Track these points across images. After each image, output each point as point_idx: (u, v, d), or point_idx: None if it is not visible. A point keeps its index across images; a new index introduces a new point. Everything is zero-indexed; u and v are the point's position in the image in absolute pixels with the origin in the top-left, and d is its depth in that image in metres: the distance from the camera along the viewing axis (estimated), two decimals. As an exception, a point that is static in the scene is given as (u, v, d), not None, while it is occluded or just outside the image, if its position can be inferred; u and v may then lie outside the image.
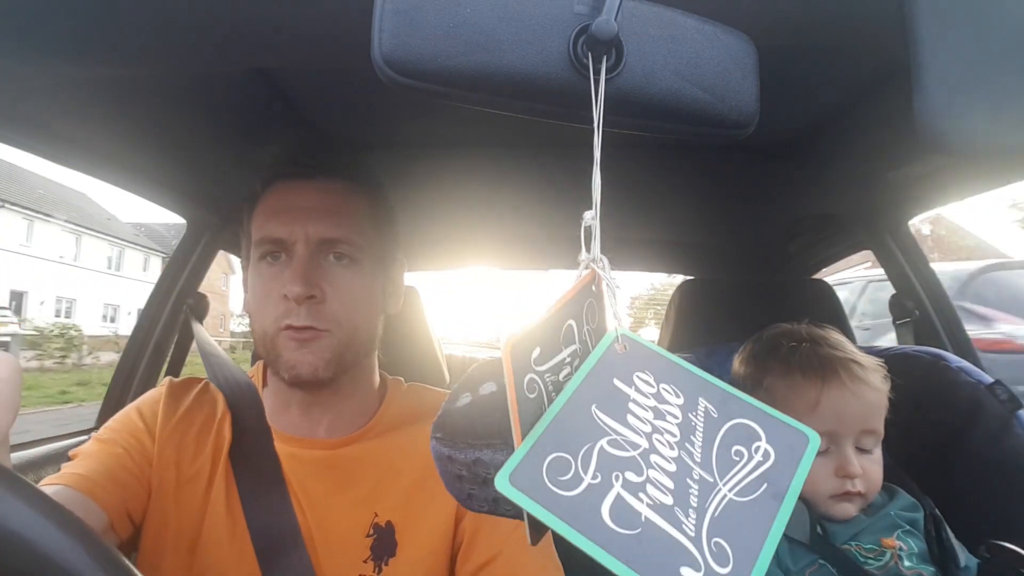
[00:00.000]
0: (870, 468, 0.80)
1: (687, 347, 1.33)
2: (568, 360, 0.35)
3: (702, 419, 0.35)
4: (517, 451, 0.30)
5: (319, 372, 0.72)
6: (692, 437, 0.34)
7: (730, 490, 0.32)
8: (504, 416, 0.31)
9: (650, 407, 0.34)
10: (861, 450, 0.80)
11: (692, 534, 0.30)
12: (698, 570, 0.28)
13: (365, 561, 0.72)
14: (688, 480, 0.32)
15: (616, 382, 0.35)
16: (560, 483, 0.30)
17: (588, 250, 0.37)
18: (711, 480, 0.32)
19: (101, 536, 0.35)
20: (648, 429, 0.33)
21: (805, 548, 0.78)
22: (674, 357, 0.38)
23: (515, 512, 0.38)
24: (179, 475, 0.73)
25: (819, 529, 0.78)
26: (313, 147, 0.81)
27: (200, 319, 1.25)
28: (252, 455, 0.74)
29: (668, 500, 0.30)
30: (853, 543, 0.78)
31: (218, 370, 0.84)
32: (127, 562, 0.35)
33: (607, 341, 0.37)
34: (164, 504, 0.72)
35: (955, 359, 0.97)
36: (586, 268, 0.37)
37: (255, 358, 1.25)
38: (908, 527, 0.80)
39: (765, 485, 0.32)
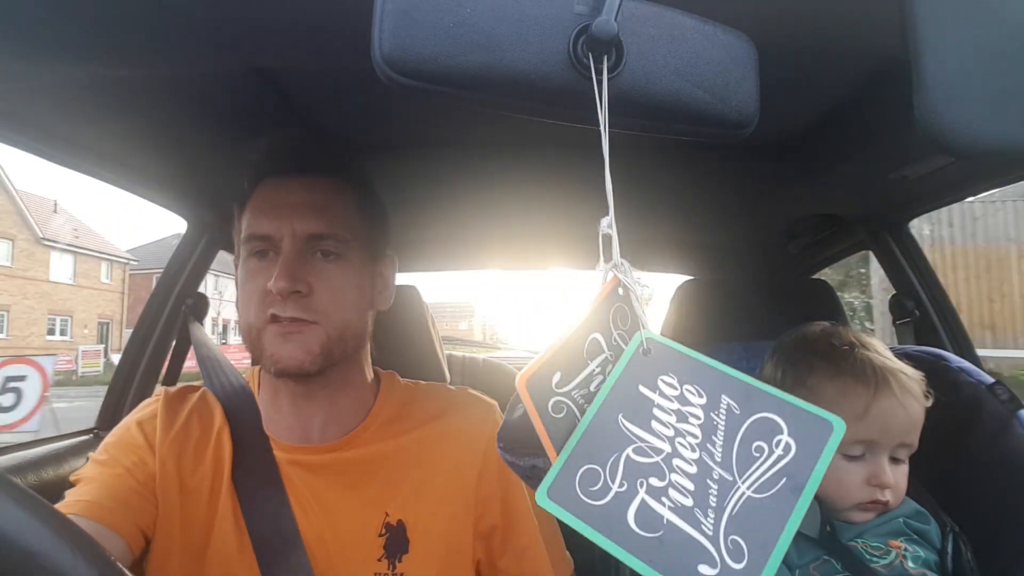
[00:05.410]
0: (900, 480, 0.80)
1: (687, 347, 1.32)
2: (598, 371, 0.37)
3: (724, 418, 0.36)
4: (553, 467, 0.33)
5: (305, 365, 0.71)
6: (713, 437, 0.35)
7: (748, 487, 0.33)
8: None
9: (673, 410, 0.36)
10: (894, 460, 0.80)
11: (710, 533, 0.31)
12: (714, 567, 0.30)
13: (379, 560, 0.73)
14: (708, 481, 0.33)
15: (641, 388, 0.37)
16: (591, 494, 0.32)
17: (606, 257, 0.38)
18: (730, 479, 0.33)
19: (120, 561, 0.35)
20: (671, 433, 0.35)
21: (812, 543, 0.78)
22: (697, 355, 0.39)
23: None
24: (182, 487, 0.73)
25: (827, 526, 0.79)
26: (300, 143, 0.80)
27: (200, 319, 1.25)
28: (251, 463, 0.74)
29: (688, 502, 0.32)
30: (859, 540, 0.79)
31: (214, 376, 0.84)
32: None
33: (632, 347, 0.38)
34: (170, 516, 0.72)
35: (955, 359, 0.97)
36: (609, 274, 0.38)
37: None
38: (915, 536, 0.80)
39: (784, 479, 0.33)
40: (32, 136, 0.83)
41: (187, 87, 0.81)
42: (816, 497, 0.80)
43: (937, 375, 0.85)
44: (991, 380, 0.92)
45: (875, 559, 0.77)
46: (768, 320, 1.25)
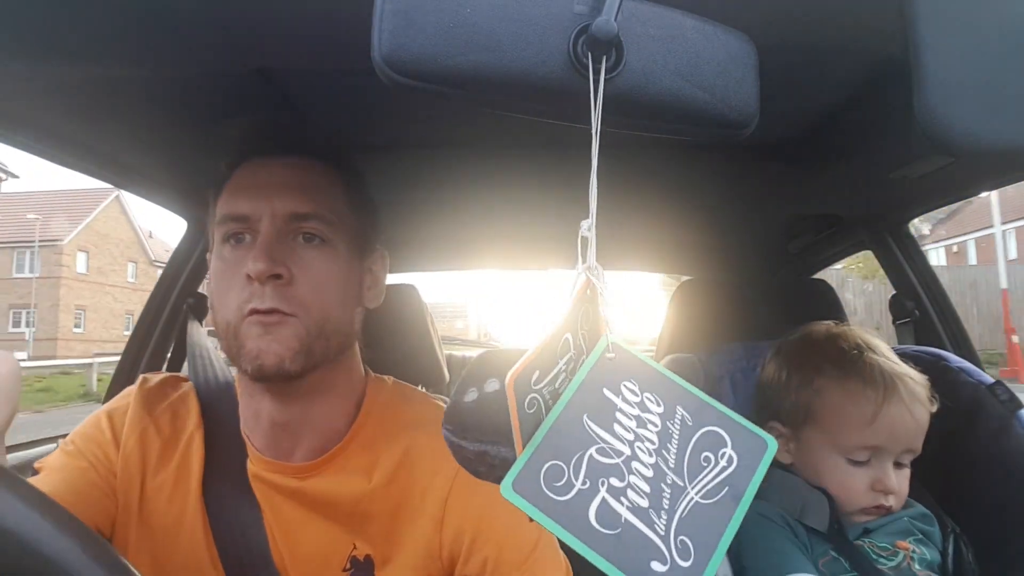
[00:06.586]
0: (903, 484, 0.80)
1: (687, 347, 1.32)
2: (563, 369, 0.38)
3: (678, 427, 0.38)
4: (519, 459, 0.34)
5: (285, 363, 0.64)
6: (668, 444, 0.37)
7: (696, 493, 0.36)
8: (508, 417, 0.34)
9: (634, 416, 0.38)
10: (897, 465, 0.80)
11: (663, 533, 0.33)
12: (665, 564, 0.32)
13: None
14: (662, 485, 0.35)
15: (605, 392, 0.38)
16: (555, 489, 0.33)
17: (585, 259, 0.39)
18: (681, 484, 0.36)
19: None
20: (631, 437, 0.37)
21: (820, 537, 0.78)
22: (657, 366, 0.41)
23: None
24: (142, 488, 0.69)
25: (835, 523, 0.79)
26: (282, 124, 0.75)
27: (200, 319, 1.25)
28: (224, 472, 0.70)
29: (644, 503, 0.34)
30: (866, 540, 0.79)
31: (201, 372, 0.79)
32: (124, 560, 0.35)
33: (599, 350, 0.40)
34: (128, 515, 0.68)
35: (955, 359, 0.97)
36: (582, 276, 0.39)
37: None
38: (921, 536, 0.80)
39: (727, 488, 0.36)
40: (32, 136, 0.83)
41: (186, 87, 0.80)
42: (825, 494, 0.80)
43: (937, 375, 0.85)
44: (991, 380, 0.92)
45: (883, 560, 0.77)
46: (768, 320, 1.25)
